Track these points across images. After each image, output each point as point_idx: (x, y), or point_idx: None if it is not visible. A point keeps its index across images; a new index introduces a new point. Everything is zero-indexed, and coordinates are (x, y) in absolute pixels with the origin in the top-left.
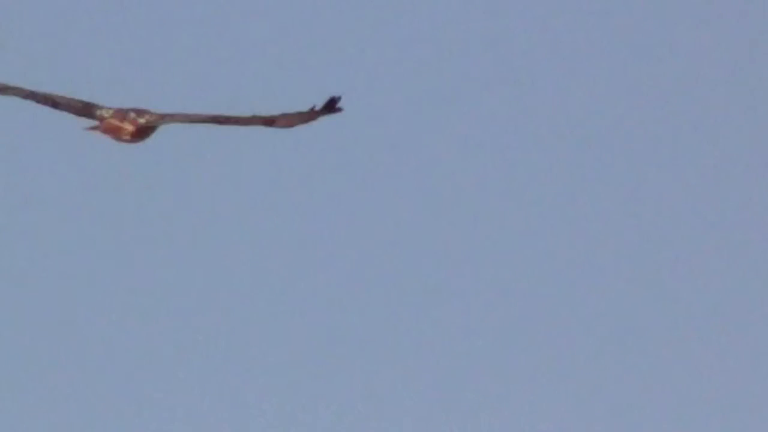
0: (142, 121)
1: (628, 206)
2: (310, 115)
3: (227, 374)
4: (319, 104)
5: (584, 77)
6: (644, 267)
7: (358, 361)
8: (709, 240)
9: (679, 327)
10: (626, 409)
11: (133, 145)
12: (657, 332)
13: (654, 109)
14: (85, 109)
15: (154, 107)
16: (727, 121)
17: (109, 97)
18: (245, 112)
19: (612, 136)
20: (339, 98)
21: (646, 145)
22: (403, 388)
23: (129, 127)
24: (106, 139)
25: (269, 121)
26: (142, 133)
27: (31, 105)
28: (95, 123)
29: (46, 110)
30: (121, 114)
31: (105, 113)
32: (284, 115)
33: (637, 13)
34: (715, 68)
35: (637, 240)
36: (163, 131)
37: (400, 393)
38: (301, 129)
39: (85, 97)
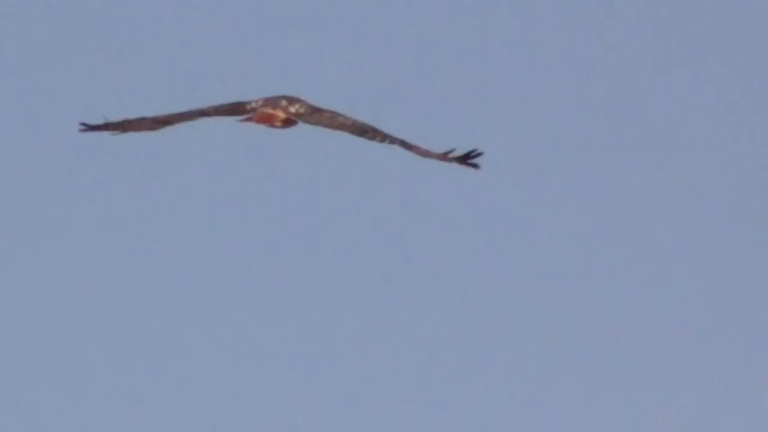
0: (292, 110)
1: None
2: (445, 158)
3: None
4: (459, 151)
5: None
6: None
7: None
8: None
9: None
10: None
11: (283, 131)
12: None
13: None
14: (235, 109)
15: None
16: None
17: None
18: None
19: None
20: (479, 153)
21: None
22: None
23: (281, 115)
24: (259, 127)
25: (409, 147)
26: (290, 121)
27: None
28: (247, 115)
29: None
30: (272, 102)
31: (254, 104)
32: (424, 149)
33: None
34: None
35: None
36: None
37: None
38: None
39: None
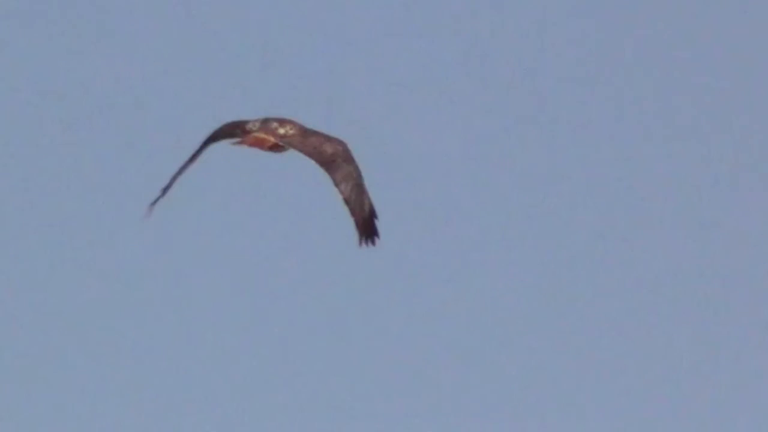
0: (281, 132)
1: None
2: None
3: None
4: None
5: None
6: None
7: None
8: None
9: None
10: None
11: (277, 155)
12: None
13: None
14: (236, 128)
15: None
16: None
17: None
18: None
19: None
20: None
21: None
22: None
23: (271, 139)
24: (252, 150)
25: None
26: (279, 147)
27: None
28: (240, 138)
29: None
30: (266, 126)
31: (253, 126)
32: (361, 206)
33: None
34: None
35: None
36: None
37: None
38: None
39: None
